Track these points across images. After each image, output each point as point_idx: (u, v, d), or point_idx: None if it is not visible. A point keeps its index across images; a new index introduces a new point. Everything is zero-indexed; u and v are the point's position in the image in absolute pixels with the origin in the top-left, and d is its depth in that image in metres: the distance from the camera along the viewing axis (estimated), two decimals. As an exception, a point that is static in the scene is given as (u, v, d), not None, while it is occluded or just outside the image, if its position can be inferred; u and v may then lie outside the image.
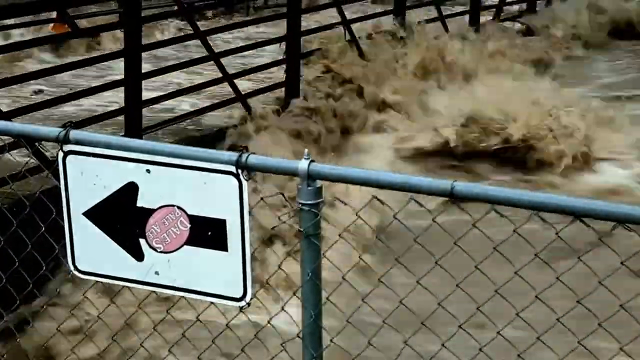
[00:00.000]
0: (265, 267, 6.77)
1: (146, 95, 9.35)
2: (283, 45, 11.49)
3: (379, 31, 13.13)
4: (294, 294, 3.30)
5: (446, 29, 14.65)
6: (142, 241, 3.28)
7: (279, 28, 12.28)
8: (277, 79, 11.36)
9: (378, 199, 3.21)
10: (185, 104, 10.70)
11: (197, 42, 10.38)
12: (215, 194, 3.13)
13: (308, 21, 12.60)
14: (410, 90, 11.99)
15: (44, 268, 3.85)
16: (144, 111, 9.25)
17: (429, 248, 3.64)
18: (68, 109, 9.71)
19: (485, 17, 16.29)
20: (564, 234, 3.03)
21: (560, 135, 10.50)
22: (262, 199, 3.49)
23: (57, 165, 3.37)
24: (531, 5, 18.00)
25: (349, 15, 12.84)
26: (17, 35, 12.35)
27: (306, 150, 3.19)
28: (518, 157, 10.51)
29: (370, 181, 3.08)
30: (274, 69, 11.59)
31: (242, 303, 3.20)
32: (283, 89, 11.16)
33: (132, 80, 8.99)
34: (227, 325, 3.82)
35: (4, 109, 7.93)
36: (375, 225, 7.28)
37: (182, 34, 13.43)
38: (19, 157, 6.67)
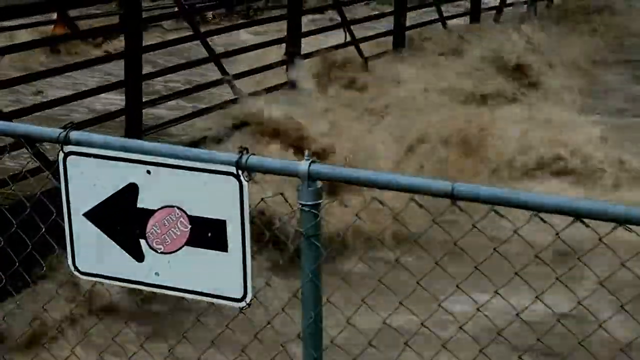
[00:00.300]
0: (265, 268, 6.77)
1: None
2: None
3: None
4: (294, 294, 3.30)
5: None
6: (142, 242, 3.28)
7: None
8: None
9: (378, 200, 3.21)
10: (185, 105, 10.70)
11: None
12: (216, 194, 3.13)
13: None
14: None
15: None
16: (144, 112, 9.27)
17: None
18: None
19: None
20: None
21: None
22: (262, 199, 3.49)
23: (58, 166, 3.37)
24: (531, 5, 17.98)
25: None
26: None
27: (306, 150, 3.18)
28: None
29: (371, 181, 3.08)
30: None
31: (242, 304, 3.19)
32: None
33: (133, 82, 9.01)
34: (227, 325, 3.82)
35: (4, 110, 7.94)
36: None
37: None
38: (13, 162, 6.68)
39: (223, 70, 10.46)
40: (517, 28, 14.72)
